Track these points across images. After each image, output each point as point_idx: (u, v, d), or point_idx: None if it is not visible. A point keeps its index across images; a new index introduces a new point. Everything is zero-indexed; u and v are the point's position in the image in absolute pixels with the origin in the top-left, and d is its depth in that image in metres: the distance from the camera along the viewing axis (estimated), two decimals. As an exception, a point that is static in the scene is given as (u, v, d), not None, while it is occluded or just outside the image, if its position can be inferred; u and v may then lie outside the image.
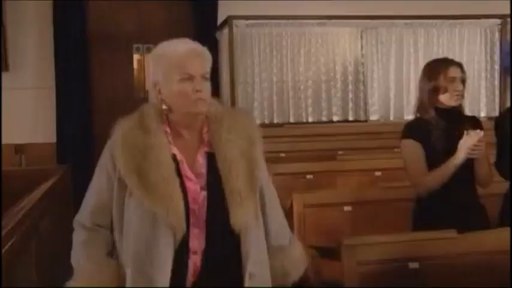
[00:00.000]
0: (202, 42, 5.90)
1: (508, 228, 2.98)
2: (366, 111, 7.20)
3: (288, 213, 3.44)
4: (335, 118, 7.14)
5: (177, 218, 1.93)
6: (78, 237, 2.10)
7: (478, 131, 2.96)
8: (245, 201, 2.00)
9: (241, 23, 6.72)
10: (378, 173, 4.73)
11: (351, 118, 7.17)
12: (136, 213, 1.96)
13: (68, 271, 2.29)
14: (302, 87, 7.03)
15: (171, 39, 2.10)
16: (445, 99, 3.10)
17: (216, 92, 6.70)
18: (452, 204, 3.05)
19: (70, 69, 6.55)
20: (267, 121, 6.89)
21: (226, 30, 6.72)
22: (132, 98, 6.97)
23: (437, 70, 3.14)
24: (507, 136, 3.18)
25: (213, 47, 6.62)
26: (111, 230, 2.07)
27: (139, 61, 7.08)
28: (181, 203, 1.95)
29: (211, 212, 1.99)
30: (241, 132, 2.08)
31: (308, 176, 4.44)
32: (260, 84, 6.95)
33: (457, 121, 3.09)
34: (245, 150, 2.06)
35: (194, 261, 1.98)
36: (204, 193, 2.00)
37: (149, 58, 2.09)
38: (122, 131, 2.01)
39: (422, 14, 6.99)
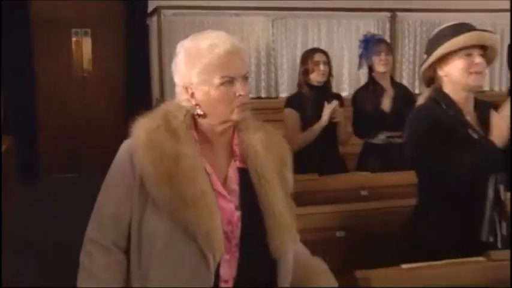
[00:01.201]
0: (135, 28, 7.24)
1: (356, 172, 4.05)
2: (276, 90, 7.94)
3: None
4: (249, 95, 7.88)
5: (218, 240, 1.61)
6: (96, 260, 1.70)
7: (335, 102, 4.02)
8: (286, 226, 1.71)
9: (168, 12, 7.40)
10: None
11: (263, 95, 7.89)
12: (162, 231, 1.62)
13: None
14: (222, 68, 7.78)
15: (200, 33, 1.76)
16: (313, 77, 4.15)
17: (146, 73, 7.52)
18: (319, 157, 3.99)
19: (15, 51, 7.02)
20: (192, 98, 7.65)
21: (155, 18, 7.39)
22: (71, 76, 7.65)
23: (306, 56, 4.22)
24: (359, 109, 4.27)
25: (145, 33, 7.49)
26: (126, 251, 1.72)
27: (77, 44, 7.65)
28: (220, 223, 1.63)
29: (246, 236, 1.68)
30: (274, 150, 1.78)
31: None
32: (185, 65, 7.68)
33: (324, 95, 4.14)
34: (278, 169, 1.77)
35: None
36: (238, 213, 1.69)
37: (179, 57, 1.73)
38: (146, 131, 1.67)
39: (324, 6, 7.73)
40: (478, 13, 8.08)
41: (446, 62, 2.38)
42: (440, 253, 2.22)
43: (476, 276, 2.13)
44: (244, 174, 1.74)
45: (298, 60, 7.67)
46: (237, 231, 1.68)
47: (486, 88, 8.65)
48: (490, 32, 2.47)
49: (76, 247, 1.83)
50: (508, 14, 8.23)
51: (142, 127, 1.70)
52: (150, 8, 7.50)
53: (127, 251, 1.72)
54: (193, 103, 1.71)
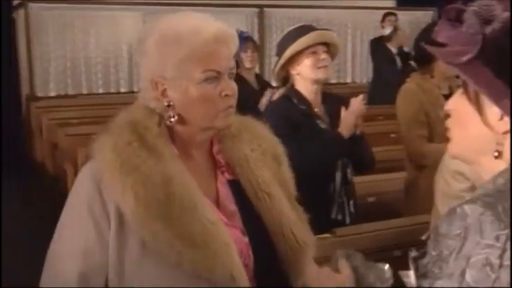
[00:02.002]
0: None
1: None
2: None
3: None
4: (122, 89, 7.91)
5: (244, 279, 1.26)
6: None
7: None
8: (301, 248, 1.38)
9: (36, 5, 7.26)
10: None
11: (136, 89, 7.45)
12: (163, 283, 1.22)
13: None
14: (93, 62, 7.70)
15: (179, 14, 1.35)
16: None
17: (14, 68, 7.33)
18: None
19: None
20: (62, 92, 7.54)
21: (22, 11, 7.21)
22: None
23: None
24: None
25: (11, 27, 7.29)
26: None
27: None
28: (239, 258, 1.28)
29: (261, 266, 1.32)
30: (265, 148, 1.45)
31: (93, 136, 5.12)
32: (55, 59, 7.52)
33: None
34: (275, 170, 1.44)
35: None
36: (246, 240, 1.34)
37: (148, 42, 1.32)
38: (114, 150, 1.26)
39: (195, 2, 7.67)
40: (340, 10, 8.59)
41: (296, 62, 2.64)
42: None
43: (323, 251, 2.40)
44: (235, 188, 1.39)
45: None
46: (251, 263, 1.32)
47: (349, 80, 9.24)
48: (330, 30, 2.79)
49: None
50: (369, 11, 8.85)
51: (108, 146, 1.27)
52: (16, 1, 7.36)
53: None
54: (165, 103, 1.31)
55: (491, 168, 1.01)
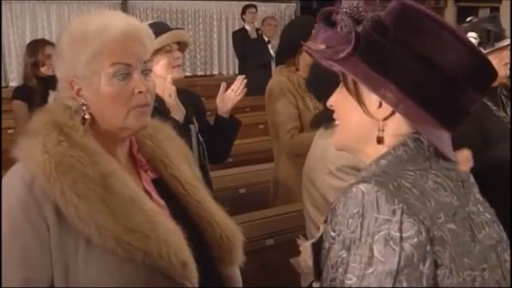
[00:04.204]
0: None
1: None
2: (6, 78, 7.58)
3: None
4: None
5: (194, 266, 1.29)
6: None
7: None
8: (234, 234, 1.42)
9: None
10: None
11: None
12: (114, 275, 1.21)
13: None
14: None
15: (91, 13, 1.40)
16: (44, 70, 4.11)
17: None
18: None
19: None
20: None
21: None
22: None
23: (36, 48, 4.14)
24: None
25: None
26: None
27: None
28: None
29: (196, 256, 1.31)
30: (179, 149, 1.52)
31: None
32: None
33: (51, 86, 4.10)
34: (191, 168, 1.51)
35: None
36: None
37: (61, 43, 1.30)
38: (45, 151, 1.23)
39: None
40: (205, 1, 8.57)
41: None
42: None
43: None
44: (159, 185, 1.41)
45: (28, 47, 7.67)
46: None
47: (215, 72, 9.27)
48: (182, 29, 2.80)
49: None
50: (235, 3, 8.90)
51: (37, 148, 1.22)
52: None
53: None
54: (80, 102, 1.29)
55: (376, 154, 1.08)
